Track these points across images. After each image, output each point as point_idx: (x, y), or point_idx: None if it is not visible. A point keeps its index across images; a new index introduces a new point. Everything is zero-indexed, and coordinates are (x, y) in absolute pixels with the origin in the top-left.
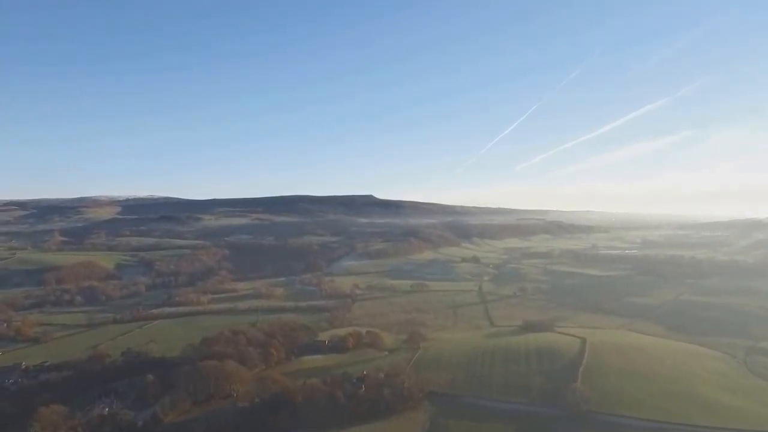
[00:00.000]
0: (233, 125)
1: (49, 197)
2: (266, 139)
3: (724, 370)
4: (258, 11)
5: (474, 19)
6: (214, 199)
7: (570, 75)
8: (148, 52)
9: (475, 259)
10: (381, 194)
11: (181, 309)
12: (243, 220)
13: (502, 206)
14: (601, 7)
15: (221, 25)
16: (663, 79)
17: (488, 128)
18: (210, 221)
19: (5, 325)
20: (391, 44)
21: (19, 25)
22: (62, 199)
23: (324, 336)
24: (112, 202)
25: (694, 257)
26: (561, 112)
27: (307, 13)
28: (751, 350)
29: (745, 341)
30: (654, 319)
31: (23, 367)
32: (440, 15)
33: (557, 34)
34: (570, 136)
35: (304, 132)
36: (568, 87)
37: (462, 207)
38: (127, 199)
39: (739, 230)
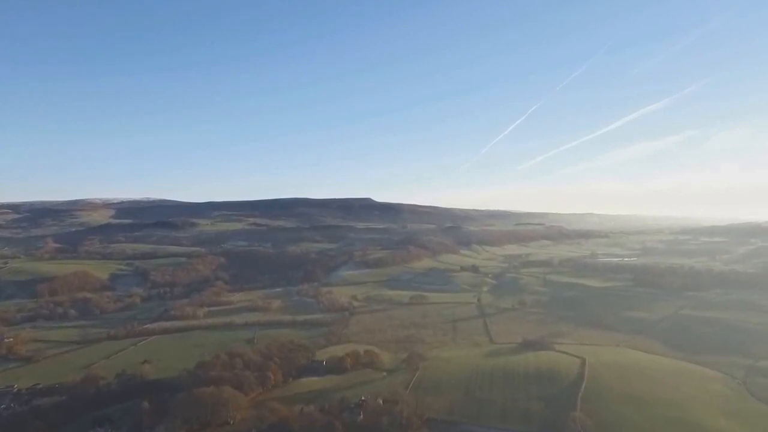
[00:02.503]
0: (230, 126)
1: (42, 199)
2: (263, 141)
3: (723, 392)
4: (258, 12)
5: (473, 19)
6: (210, 202)
7: (572, 74)
8: (141, 53)
9: (474, 268)
10: (379, 196)
11: (176, 324)
12: (239, 225)
13: (501, 209)
14: (604, 7)
15: (219, 26)
16: (666, 78)
17: (488, 129)
18: (206, 226)
19: None
20: (390, 45)
21: (13, 25)
22: (56, 201)
23: (322, 355)
24: (107, 204)
25: (693, 267)
26: (563, 112)
27: (308, 14)
28: (750, 370)
29: (744, 360)
30: (654, 335)
31: (15, 390)
32: (439, 15)
33: (560, 34)
34: (572, 136)
35: (302, 133)
36: (571, 87)
37: (461, 210)
38: (122, 202)
39: (737, 236)
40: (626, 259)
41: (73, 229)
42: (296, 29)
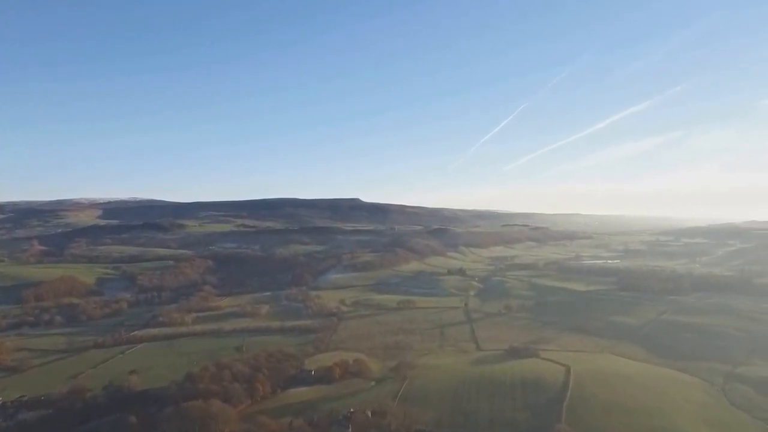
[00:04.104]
0: (219, 127)
1: (28, 199)
2: (252, 141)
3: (703, 400)
4: (248, 12)
5: (460, 21)
6: (198, 202)
7: (557, 76)
8: (127, 53)
9: (461, 272)
10: (367, 197)
11: (164, 330)
12: (228, 227)
13: (488, 209)
14: (589, 9)
15: (209, 26)
16: (651, 79)
17: (476, 130)
18: (194, 228)
19: None
20: (379, 47)
21: (12, 25)
22: (41, 201)
23: (310, 364)
24: (93, 204)
25: (675, 270)
26: (549, 113)
27: (296, 16)
28: (728, 376)
29: (722, 366)
30: (636, 340)
31: (0, 403)
32: (428, 17)
33: (547, 35)
34: (556, 137)
35: (290, 133)
36: (557, 87)
37: (449, 210)
38: (109, 202)
39: (717, 237)
40: (609, 261)
41: (59, 230)
42: (284, 32)
